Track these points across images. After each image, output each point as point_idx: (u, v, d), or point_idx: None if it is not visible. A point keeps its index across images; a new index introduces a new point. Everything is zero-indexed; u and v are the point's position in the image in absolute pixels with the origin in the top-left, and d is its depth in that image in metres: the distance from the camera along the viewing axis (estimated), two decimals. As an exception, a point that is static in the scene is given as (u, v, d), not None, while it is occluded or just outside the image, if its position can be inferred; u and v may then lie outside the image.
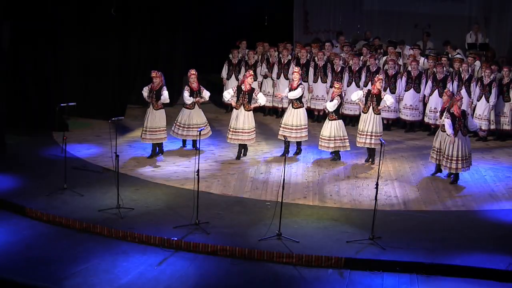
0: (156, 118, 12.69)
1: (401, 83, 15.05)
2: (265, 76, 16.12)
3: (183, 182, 11.62)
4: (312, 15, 19.68)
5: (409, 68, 15.12)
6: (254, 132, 12.94)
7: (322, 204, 10.95)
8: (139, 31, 16.27)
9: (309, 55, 15.96)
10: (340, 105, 12.78)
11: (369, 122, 12.63)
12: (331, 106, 12.60)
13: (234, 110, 12.82)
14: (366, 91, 12.81)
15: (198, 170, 9.85)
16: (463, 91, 14.38)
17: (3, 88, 12.96)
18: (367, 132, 12.67)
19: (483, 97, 14.33)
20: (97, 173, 11.92)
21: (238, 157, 12.98)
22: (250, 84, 12.74)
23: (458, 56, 16.12)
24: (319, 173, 12.44)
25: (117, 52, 15.46)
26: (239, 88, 12.81)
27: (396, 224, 10.22)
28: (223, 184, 11.68)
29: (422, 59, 15.74)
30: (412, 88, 14.97)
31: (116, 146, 11.50)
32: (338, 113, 12.81)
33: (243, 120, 12.71)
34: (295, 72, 13.05)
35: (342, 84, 13.54)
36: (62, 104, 11.92)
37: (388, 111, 14.65)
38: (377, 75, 13.11)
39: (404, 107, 15.12)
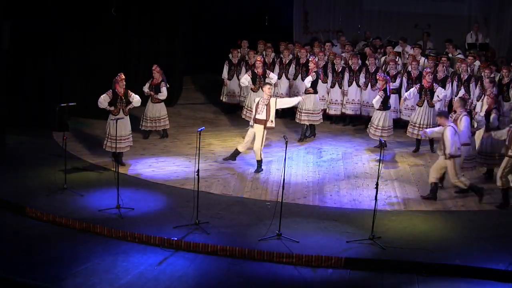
0: (120, 126, 12.15)
1: (402, 83, 15.01)
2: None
3: (183, 182, 11.62)
4: (312, 15, 19.67)
5: (409, 68, 15.10)
6: None
7: (322, 204, 10.96)
8: (139, 31, 16.27)
9: (308, 54, 15.94)
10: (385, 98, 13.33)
11: (423, 115, 13.45)
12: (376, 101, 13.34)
13: (252, 92, 14.50)
14: (418, 87, 13.58)
15: (198, 170, 9.86)
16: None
17: (3, 88, 12.96)
18: (420, 124, 13.41)
19: (483, 97, 14.29)
20: (97, 173, 11.92)
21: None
22: (260, 68, 14.37)
23: (459, 56, 16.11)
24: (319, 173, 12.44)
25: (117, 52, 15.47)
26: (253, 73, 14.33)
27: (396, 224, 10.22)
28: (223, 184, 11.68)
29: (422, 59, 15.72)
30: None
31: (116, 146, 11.52)
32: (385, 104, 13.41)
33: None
34: (311, 61, 14.29)
35: (386, 78, 13.67)
36: (62, 104, 11.92)
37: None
38: (425, 69, 13.90)
39: (405, 108, 15.04)
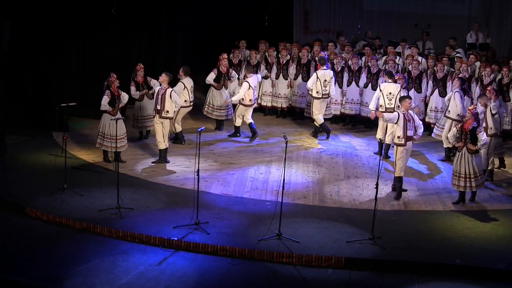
0: (120, 125, 11.97)
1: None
2: (265, 77, 16.11)
3: (183, 182, 11.62)
4: (312, 15, 19.67)
5: (410, 68, 15.09)
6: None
7: (322, 204, 10.95)
8: (139, 31, 16.27)
9: (310, 55, 15.95)
10: None
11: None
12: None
13: (214, 90, 14.64)
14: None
15: (198, 170, 9.86)
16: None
17: (3, 88, 12.96)
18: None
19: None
20: (97, 173, 11.92)
21: (217, 128, 14.97)
22: (226, 66, 14.66)
23: (458, 55, 16.09)
24: (319, 173, 12.44)
25: (117, 52, 15.48)
26: (218, 71, 14.57)
27: (396, 224, 10.22)
28: (223, 184, 11.68)
29: (420, 59, 15.69)
30: (413, 88, 14.90)
31: (116, 146, 11.53)
32: None
33: (221, 98, 14.64)
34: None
35: None
36: (62, 104, 11.93)
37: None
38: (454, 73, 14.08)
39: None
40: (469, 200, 11.12)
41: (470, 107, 11.21)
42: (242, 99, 14.03)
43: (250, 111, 14.23)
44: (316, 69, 15.50)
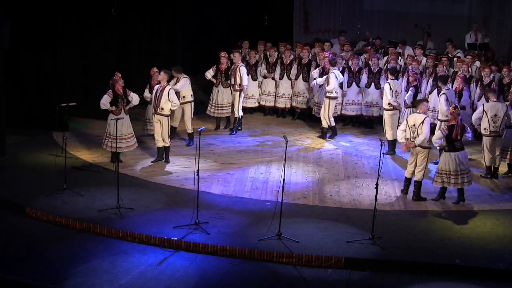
0: (121, 125, 11.96)
1: (402, 83, 15.00)
2: (264, 77, 16.11)
3: (183, 182, 11.62)
4: (312, 15, 19.67)
5: (410, 68, 15.07)
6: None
7: (322, 204, 10.95)
8: (139, 31, 16.27)
9: (310, 55, 15.95)
10: None
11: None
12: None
13: (217, 88, 14.73)
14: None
15: (198, 170, 9.86)
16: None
17: (3, 88, 12.96)
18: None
19: (483, 97, 14.28)
20: (97, 173, 11.92)
21: (217, 128, 15.03)
22: (225, 64, 14.59)
23: (458, 55, 16.09)
24: (319, 173, 12.44)
25: (117, 52, 15.48)
26: (217, 68, 14.70)
27: (396, 224, 10.22)
28: (223, 184, 11.68)
29: (424, 59, 15.70)
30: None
31: (116, 146, 11.53)
32: None
33: (222, 96, 14.74)
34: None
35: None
36: (62, 104, 11.92)
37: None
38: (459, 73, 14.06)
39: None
40: (457, 203, 11.05)
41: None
42: (240, 84, 14.38)
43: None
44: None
